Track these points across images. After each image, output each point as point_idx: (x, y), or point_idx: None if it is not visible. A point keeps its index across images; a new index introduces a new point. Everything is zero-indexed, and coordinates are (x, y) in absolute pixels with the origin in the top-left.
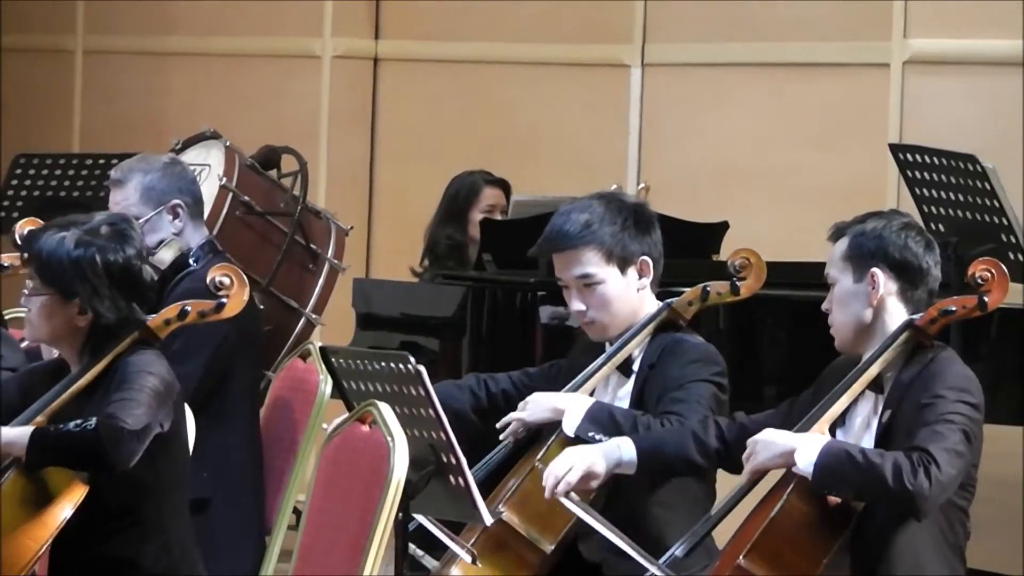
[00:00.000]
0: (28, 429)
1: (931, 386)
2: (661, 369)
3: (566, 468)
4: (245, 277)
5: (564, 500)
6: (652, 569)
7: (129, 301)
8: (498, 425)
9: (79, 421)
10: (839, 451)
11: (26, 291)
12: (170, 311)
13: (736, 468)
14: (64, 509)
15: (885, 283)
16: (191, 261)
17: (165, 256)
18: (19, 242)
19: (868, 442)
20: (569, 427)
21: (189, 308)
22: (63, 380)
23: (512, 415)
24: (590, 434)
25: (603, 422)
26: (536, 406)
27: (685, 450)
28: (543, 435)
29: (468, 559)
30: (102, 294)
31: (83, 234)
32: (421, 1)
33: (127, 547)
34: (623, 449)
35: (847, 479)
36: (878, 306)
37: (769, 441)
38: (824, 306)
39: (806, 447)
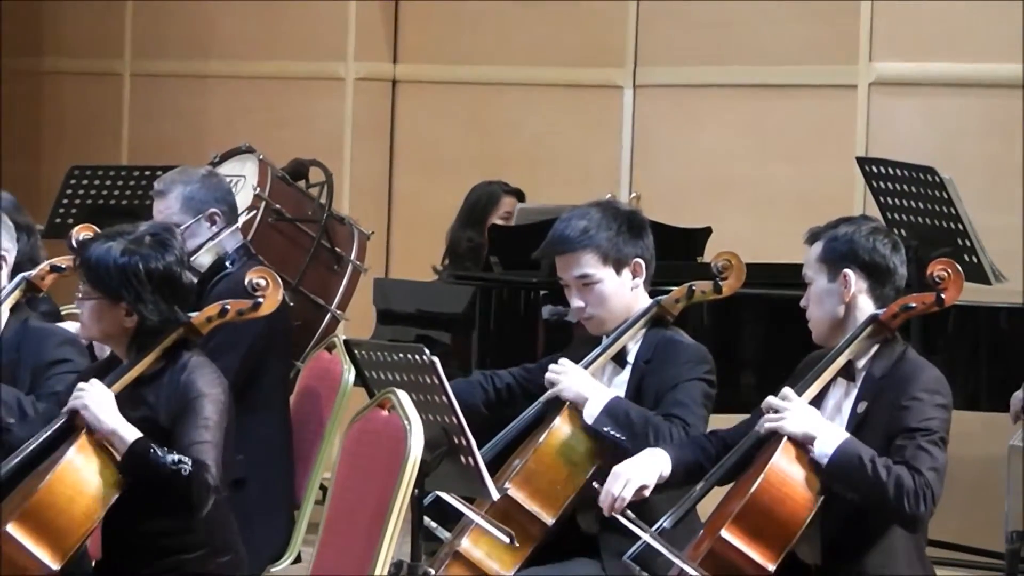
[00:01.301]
0: (134, 434)
1: (908, 388)
2: (658, 367)
3: (621, 486)
4: (279, 279)
5: (621, 518)
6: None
7: (171, 303)
8: (539, 387)
9: (176, 458)
10: (854, 454)
11: (79, 294)
12: (211, 310)
13: (720, 480)
14: (116, 489)
15: (856, 282)
16: (227, 264)
17: (204, 259)
18: (74, 245)
19: (839, 424)
20: (588, 416)
21: (229, 307)
22: (115, 371)
23: (554, 380)
24: (605, 428)
25: (619, 418)
26: (570, 384)
27: (701, 463)
28: (545, 420)
29: (506, 540)
30: (145, 298)
31: (128, 243)
32: (435, 29)
33: (172, 522)
34: (663, 465)
35: (854, 482)
36: (850, 303)
37: (803, 414)
38: (802, 303)
39: (827, 438)
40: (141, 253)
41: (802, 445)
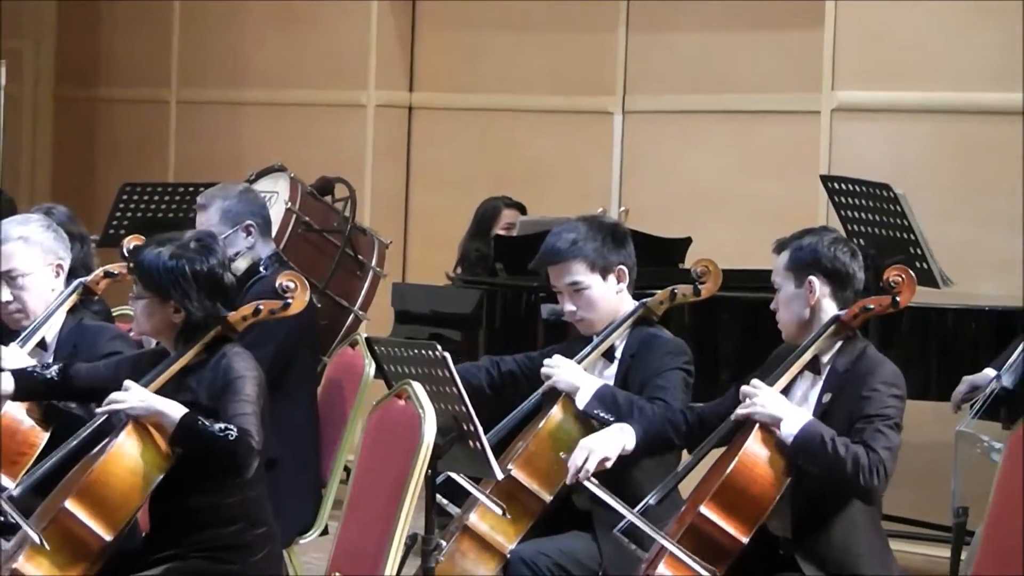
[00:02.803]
0: (181, 409)
1: (868, 380)
2: (641, 359)
3: (584, 457)
4: (306, 282)
5: (586, 483)
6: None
7: (213, 301)
8: (536, 376)
9: (222, 425)
10: (816, 433)
11: (132, 295)
12: (246, 309)
13: (694, 447)
14: (160, 471)
15: (820, 287)
16: (261, 269)
17: (240, 265)
18: (125, 254)
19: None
20: (580, 402)
21: (262, 307)
22: (163, 362)
23: (549, 373)
24: (596, 411)
25: (608, 402)
26: (562, 375)
27: (667, 435)
28: (543, 409)
29: (499, 511)
30: (191, 296)
31: (176, 248)
32: (447, 61)
33: (212, 497)
34: (626, 438)
35: (816, 458)
36: (815, 306)
37: (771, 400)
38: (772, 306)
39: (792, 419)
40: (187, 256)
41: (771, 430)
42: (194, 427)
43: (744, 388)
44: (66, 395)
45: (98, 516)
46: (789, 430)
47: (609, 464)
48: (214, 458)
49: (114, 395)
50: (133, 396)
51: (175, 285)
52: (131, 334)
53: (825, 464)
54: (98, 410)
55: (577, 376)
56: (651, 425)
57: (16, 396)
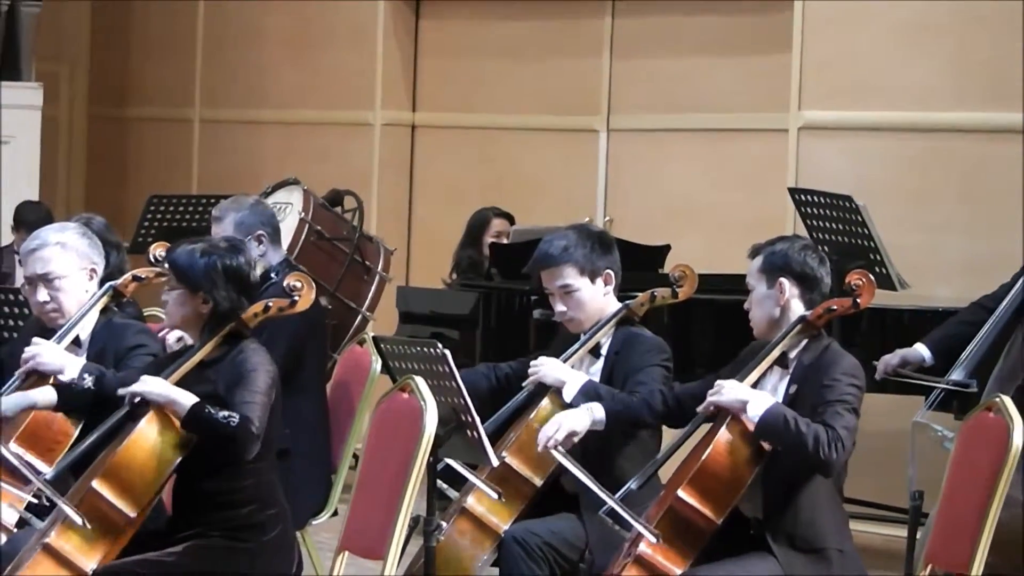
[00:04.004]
0: (192, 398)
1: (830, 371)
2: (624, 357)
3: (554, 429)
4: (312, 282)
5: (553, 452)
6: (609, 502)
7: (239, 295)
8: (527, 378)
9: (225, 413)
10: (780, 414)
11: (166, 288)
12: (257, 307)
13: (675, 424)
14: (179, 453)
15: (789, 289)
16: (272, 275)
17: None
18: (152, 259)
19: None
20: (567, 395)
21: (271, 305)
22: (186, 354)
23: (534, 371)
24: (581, 404)
25: (591, 395)
26: (550, 371)
27: (639, 413)
28: (533, 402)
29: (495, 496)
30: (219, 287)
31: (207, 247)
32: (446, 84)
33: (228, 482)
34: (595, 413)
35: (780, 436)
36: (784, 306)
37: (735, 387)
38: (745, 306)
39: (758, 402)
40: (217, 253)
41: (742, 421)
42: (201, 414)
43: (717, 383)
44: (101, 403)
45: (123, 495)
46: (755, 412)
47: (577, 439)
48: (217, 442)
49: (135, 385)
50: (152, 384)
51: (206, 277)
52: (161, 333)
53: (788, 441)
54: (120, 391)
55: (562, 372)
56: (624, 408)
57: (58, 408)
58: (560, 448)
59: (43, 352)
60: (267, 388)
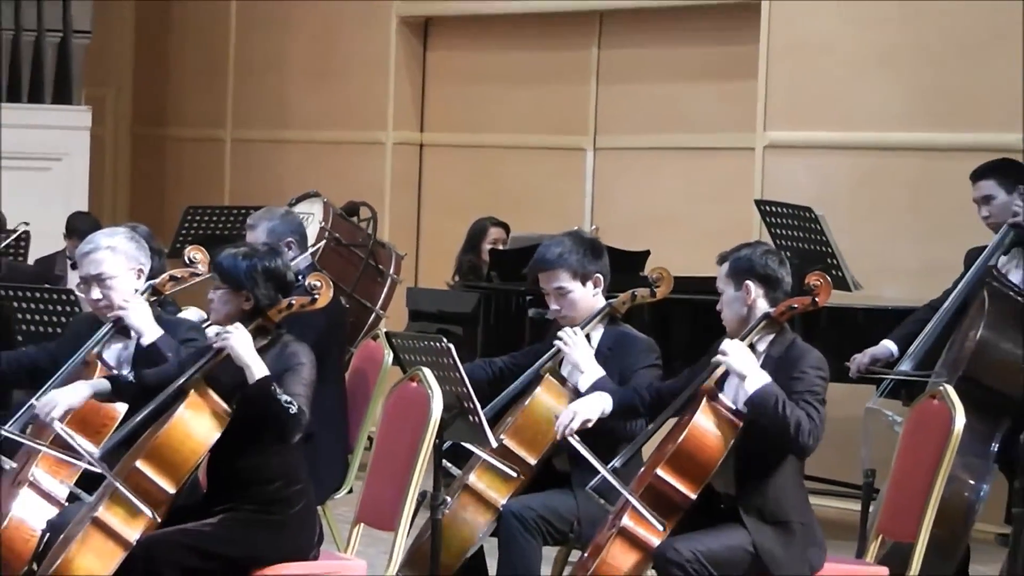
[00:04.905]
0: (264, 370)
1: (799, 364)
2: (619, 355)
3: (569, 418)
4: (330, 282)
5: (570, 439)
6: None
7: (276, 292)
8: (557, 341)
9: (288, 398)
10: (772, 394)
11: (213, 287)
12: (282, 304)
13: (652, 415)
14: (214, 434)
15: (755, 290)
16: (299, 278)
17: None
18: (187, 261)
19: (744, 392)
20: (583, 385)
21: (294, 302)
22: None
23: (565, 342)
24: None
25: (602, 390)
26: (577, 352)
27: (635, 405)
28: (528, 389)
29: (513, 474)
30: (260, 285)
31: (248, 250)
32: (451, 107)
33: (259, 462)
34: (604, 404)
35: (767, 414)
36: (751, 305)
37: (742, 358)
38: (718, 307)
39: (755, 378)
40: (258, 255)
41: (716, 406)
42: (267, 389)
43: (723, 344)
44: (143, 394)
45: (163, 473)
46: (751, 386)
47: (590, 424)
48: (271, 421)
49: (226, 335)
50: (237, 337)
51: (248, 277)
52: (205, 326)
53: (773, 421)
54: (210, 330)
55: (585, 360)
56: (624, 398)
57: (111, 398)
58: (576, 437)
59: (132, 310)
60: (312, 381)
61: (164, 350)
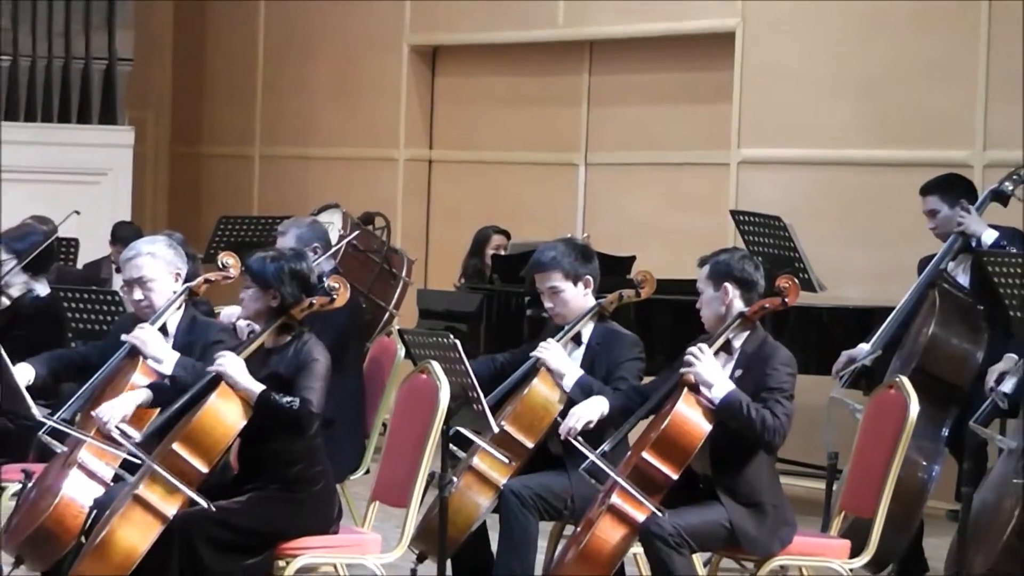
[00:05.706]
0: (259, 387)
1: (770, 361)
2: (606, 351)
3: (574, 421)
4: (348, 284)
5: (573, 440)
6: (592, 456)
7: (300, 291)
8: (529, 359)
9: (288, 399)
10: (737, 399)
11: (243, 287)
12: (304, 303)
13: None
14: (242, 420)
15: (732, 292)
16: (322, 279)
17: None
18: (220, 265)
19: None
20: (566, 385)
21: (315, 302)
22: (250, 336)
23: (542, 352)
24: (576, 396)
25: (585, 388)
26: (554, 358)
27: (628, 408)
28: (526, 380)
29: (506, 461)
30: (286, 284)
31: (276, 254)
32: (457, 126)
33: (284, 445)
34: (603, 407)
35: (735, 418)
36: (728, 305)
37: (707, 368)
38: (697, 306)
39: (721, 386)
40: (284, 259)
41: (698, 393)
42: (268, 402)
43: (691, 349)
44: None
45: (197, 455)
46: (717, 393)
47: (592, 425)
48: (282, 422)
49: (221, 362)
50: (231, 365)
51: (275, 278)
52: (234, 320)
53: (741, 423)
54: (240, 323)
55: (563, 362)
56: (618, 400)
57: (153, 405)
58: (579, 438)
59: (149, 341)
60: (325, 374)
61: (184, 375)
